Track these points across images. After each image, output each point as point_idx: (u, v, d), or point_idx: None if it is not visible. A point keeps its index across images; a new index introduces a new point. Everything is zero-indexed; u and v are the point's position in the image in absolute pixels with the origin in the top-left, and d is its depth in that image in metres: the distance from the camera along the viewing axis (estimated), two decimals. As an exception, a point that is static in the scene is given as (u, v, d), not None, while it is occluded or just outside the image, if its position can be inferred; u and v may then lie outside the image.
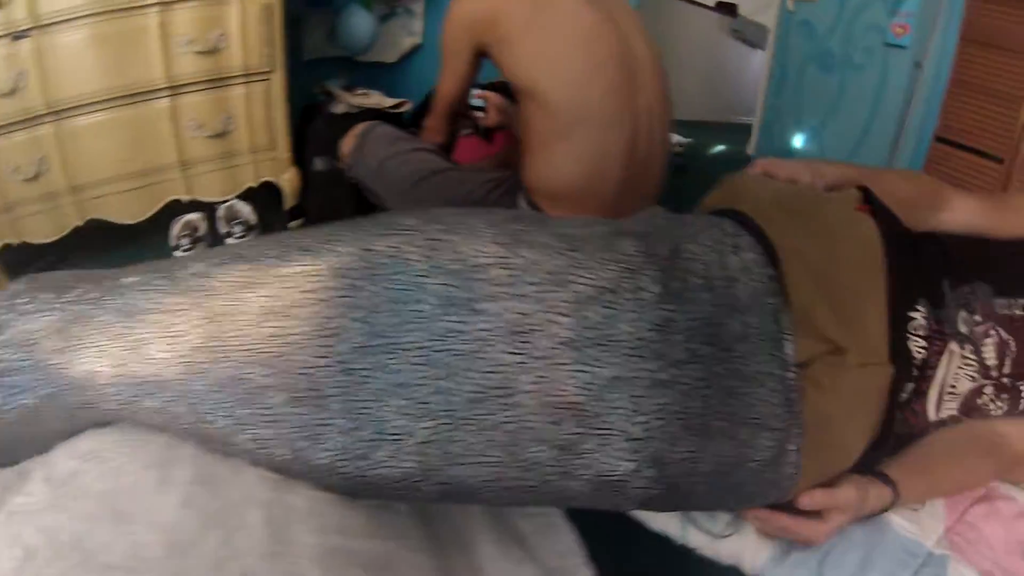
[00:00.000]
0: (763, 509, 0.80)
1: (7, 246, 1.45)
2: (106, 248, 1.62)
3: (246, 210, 1.61)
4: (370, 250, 0.67)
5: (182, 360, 0.66)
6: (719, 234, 0.79)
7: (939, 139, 2.24)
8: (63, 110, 1.47)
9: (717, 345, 0.70)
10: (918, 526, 0.87)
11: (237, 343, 0.65)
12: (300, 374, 0.63)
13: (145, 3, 1.46)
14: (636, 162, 1.31)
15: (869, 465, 0.83)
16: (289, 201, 1.69)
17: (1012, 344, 0.87)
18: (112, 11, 1.45)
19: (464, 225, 0.69)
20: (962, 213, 0.98)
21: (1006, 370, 0.87)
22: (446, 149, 1.52)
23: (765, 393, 0.72)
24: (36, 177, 1.46)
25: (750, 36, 2.80)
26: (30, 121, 1.42)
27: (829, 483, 0.79)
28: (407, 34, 2.16)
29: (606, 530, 0.85)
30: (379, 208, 1.41)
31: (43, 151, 1.46)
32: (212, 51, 1.52)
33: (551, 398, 0.63)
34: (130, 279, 0.72)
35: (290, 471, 0.68)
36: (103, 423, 0.72)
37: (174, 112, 1.54)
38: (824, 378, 0.76)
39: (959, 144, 2.21)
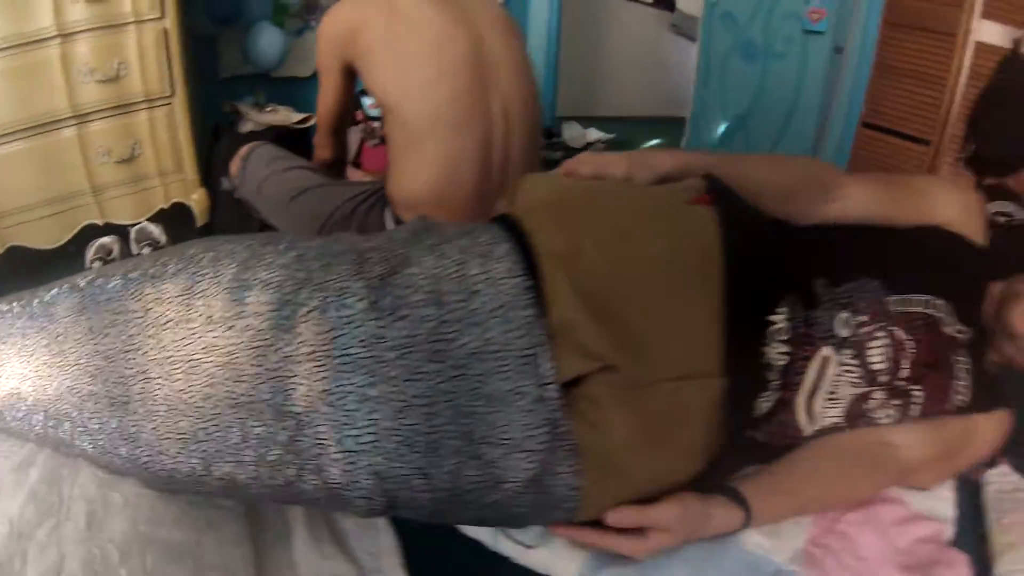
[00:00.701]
0: (570, 525, 0.79)
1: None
2: (32, 274, 1.70)
3: (156, 231, 1.69)
4: (158, 277, 0.79)
5: (34, 374, 0.80)
6: (468, 243, 0.78)
7: (865, 124, 2.26)
8: (-25, 143, 1.56)
9: (445, 362, 0.71)
10: (773, 539, 0.81)
11: (72, 359, 0.78)
12: (114, 383, 0.76)
13: (46, 36, 1.55)
14: (494, 167, 1.32)
15: (717, 481, 0.80)
16: (200, 220, 1.78)
17: (910, 345, 0.81)
18: (15, 46, 1.54)
19: (228, 253, 0.78)
20: (858, 202, 0.90)
21: (903, 373, 0.82)
22: (338, 164, 1.58)
23: (515, 413, 0.71)
24: (-45, 207, 1.56)
25: (688, 31, 2.84)
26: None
27: (651, 500, 0.76)
28: (322, 48, 2.20)
29: (427, 533, 0.86)
30: (270, 228, 1.48)
31: (-40, 183, 1.56)
32: (113, 79, 1.62)
33: (281, 407, 0.73)
34: None
35: (119, 470, 0.80)
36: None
37: (82, 140, 1.65)
38: (605, 398, 0.73)
39: (885, 128, 2.24)
